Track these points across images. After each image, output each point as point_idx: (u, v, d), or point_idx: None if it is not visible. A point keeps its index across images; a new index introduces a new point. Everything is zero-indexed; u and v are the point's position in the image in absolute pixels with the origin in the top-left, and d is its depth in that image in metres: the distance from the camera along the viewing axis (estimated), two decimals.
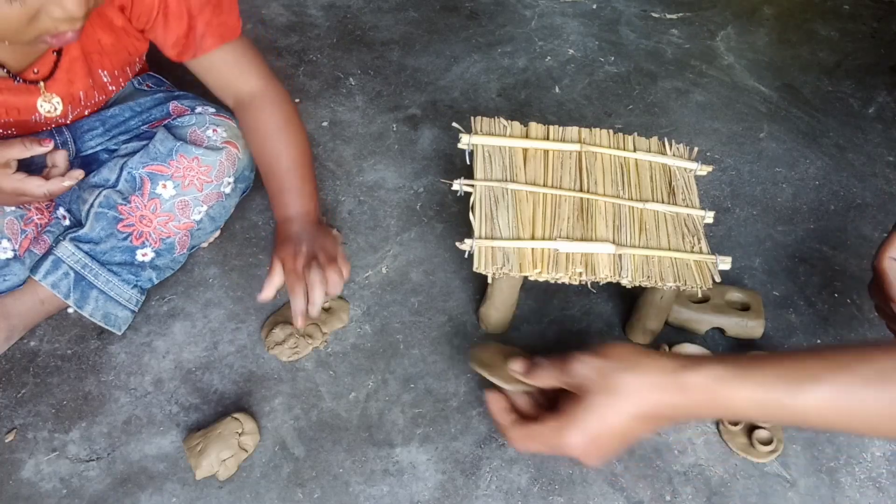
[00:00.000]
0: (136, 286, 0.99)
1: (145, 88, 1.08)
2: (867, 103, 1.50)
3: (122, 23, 0.91)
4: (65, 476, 0.86)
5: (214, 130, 1.01)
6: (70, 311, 1.01)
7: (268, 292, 0.90)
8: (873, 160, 1.37)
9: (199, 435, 0.87)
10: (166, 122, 1.02)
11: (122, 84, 1.01)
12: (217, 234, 1.11)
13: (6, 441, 0.89)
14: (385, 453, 0.91)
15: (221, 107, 1.05)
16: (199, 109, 1.03)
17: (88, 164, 1.01)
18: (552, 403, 0.73)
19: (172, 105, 1.05)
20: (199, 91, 1.06)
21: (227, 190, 1.02)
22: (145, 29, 0.93)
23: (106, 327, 0.98)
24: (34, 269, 0.94)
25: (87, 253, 0.95)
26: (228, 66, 0.98)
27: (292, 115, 1.01)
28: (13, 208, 0.91)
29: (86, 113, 1.00)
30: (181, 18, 0.91)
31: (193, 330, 1.01)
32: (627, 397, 0.65)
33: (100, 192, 0.97)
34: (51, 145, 0.87)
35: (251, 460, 0.89)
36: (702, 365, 0.64)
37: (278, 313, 1.03)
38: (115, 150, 1.02)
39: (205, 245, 1.11)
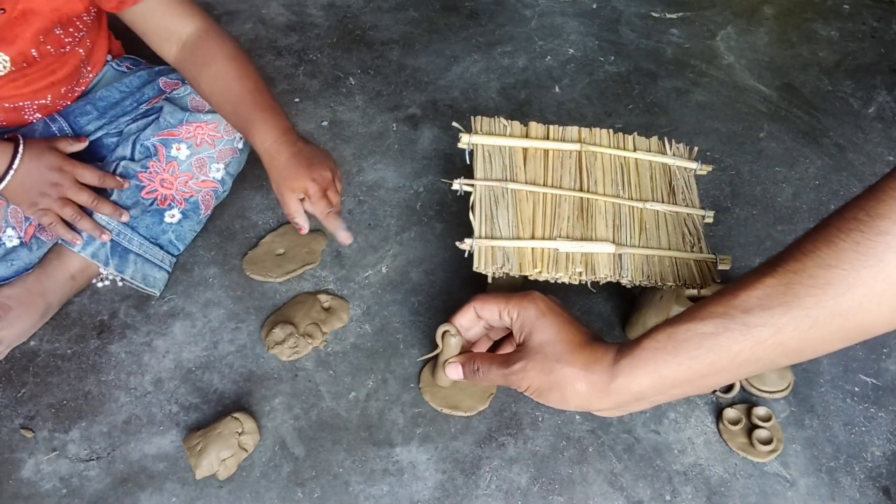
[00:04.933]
0: (163, 249, 1.03)
1: (125, 70, 1.10)
2: (867, 103, 1.50)
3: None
4: (65, 476, 0.86)
5: None
6: (99, 284, 1.04)
7: (302, 223, 0.93)
8: (873, 160, 1.37)
9: (199, 434, 0.87)
10: (163, 97, 1.05)
11: (67, 45, 0.99)
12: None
13: (26, 437, 0.89)
14: (385, 453, 0.91)
15: None
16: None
17: (98, 149, 1.05)
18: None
19: (162, 81, 1.08)
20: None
21: (240, 145, 1.06)
22: None
23: (145, 289, 1.02)
24: (69, 242, 0.97)
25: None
26: (168, 8, 0.96)
27: (239, 47, 1.00)
28: None
29: (61, 90, 1.02)
30: None
31: (193, 330, 1.01)
32: (570, 401, 0.68)
33: (117, 164, 1.01)
34: (85, 144, 0.97)
35: (251, 460, 0.89)
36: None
37: (278, 313, 1.03)
38: (122, 132, 1.04)
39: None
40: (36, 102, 1.00)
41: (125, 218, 0.99)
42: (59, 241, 0.98)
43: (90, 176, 0.95)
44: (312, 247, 1.11)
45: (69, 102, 1.05)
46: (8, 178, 0.89)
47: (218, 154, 1.03)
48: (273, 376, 0.97)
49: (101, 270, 1.02)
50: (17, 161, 0.89)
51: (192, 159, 1.02)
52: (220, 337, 1.01)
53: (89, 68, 1.06)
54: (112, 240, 0.98)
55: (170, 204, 1.02)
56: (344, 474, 0.89)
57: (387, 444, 0.92)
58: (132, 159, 1.02)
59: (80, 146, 0.97)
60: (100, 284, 1.04)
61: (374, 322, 1.04)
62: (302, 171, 0.91)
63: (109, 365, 0.97)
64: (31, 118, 1.02)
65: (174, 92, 1.06)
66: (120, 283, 1.04)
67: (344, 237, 0.94)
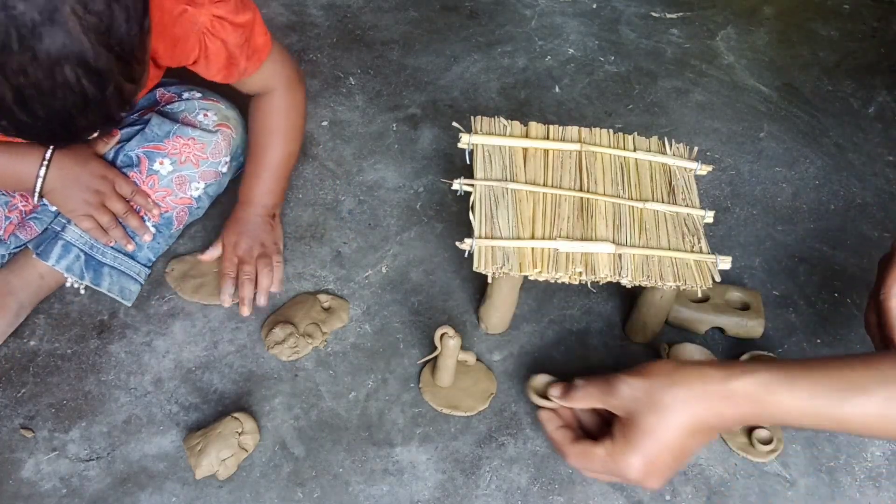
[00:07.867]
0: (137, 261, 1.02)
1: None
2: (867, 103, 1.50)
3: (153, 73, 0.95)
4: (65, 475, 0.86)
5: (205, 115, 1.03)
6: (74, 285, 1.02)
7: (205, 258, 1.05)
8: (873, 160, 1.37)
9: (199, 434, 0.87)
10: (156, 109, 1.04)
11: None
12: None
13: (26, 437, 0.89)
14: (385, 453, 0.91)
15: (207, 90, 1.07)
16: (185, 95, 1.05)
17: None
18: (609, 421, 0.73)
19: (159, 92, 1.07)
20: (174, 76, 1.08)
21: (224, 169, 1.05)
22: (185, 66, 0.97)
23: (120, 300, 1.01)
24: (44, 254, 0.96)
25: None
26: (261, 78, 1.03)
27: (297, 123, 1.09)
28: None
29: None
30: (220, 55, 0.94)
31: (193, 329, 1.01)
32: (676, 412, 0.64)
33: None
34: (117, 137, 0.99)
35: (251, 460, 0.89)
36: (748, 372, 0.64)
37: (278, 313, 1.03)
38: None
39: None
40: None
41: (147, 238, 1.00)
42: (35, 251, 0.97)
43: (126, 188, 0.97)
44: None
45: None
46: (42, 174, 0.91)
47: (200, 174, 1.02)
48: (273, 376, 0.97)
49: (74, 284, 1.00)
50: (48, 154, 0.91)
51: (174, 176, 1.00)
52: (220, 337, 1.01)
53: None
54: (86, 253, 0.97)
55: (144, 216, 1.00)
56: (344, 474, 0.89)
57: (387, 444, 0.92)
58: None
59: (112, 142, 0.99)
60: (73, 284, 1.01)
61: (374, 322, 1.04)
62: (234, 231, 1.04)
63: (109, 365, 0.97)
64: None
65: (168, 106, 1.04)
66: (82, 291, 1.02)
67: (244, 310, 1.01)
